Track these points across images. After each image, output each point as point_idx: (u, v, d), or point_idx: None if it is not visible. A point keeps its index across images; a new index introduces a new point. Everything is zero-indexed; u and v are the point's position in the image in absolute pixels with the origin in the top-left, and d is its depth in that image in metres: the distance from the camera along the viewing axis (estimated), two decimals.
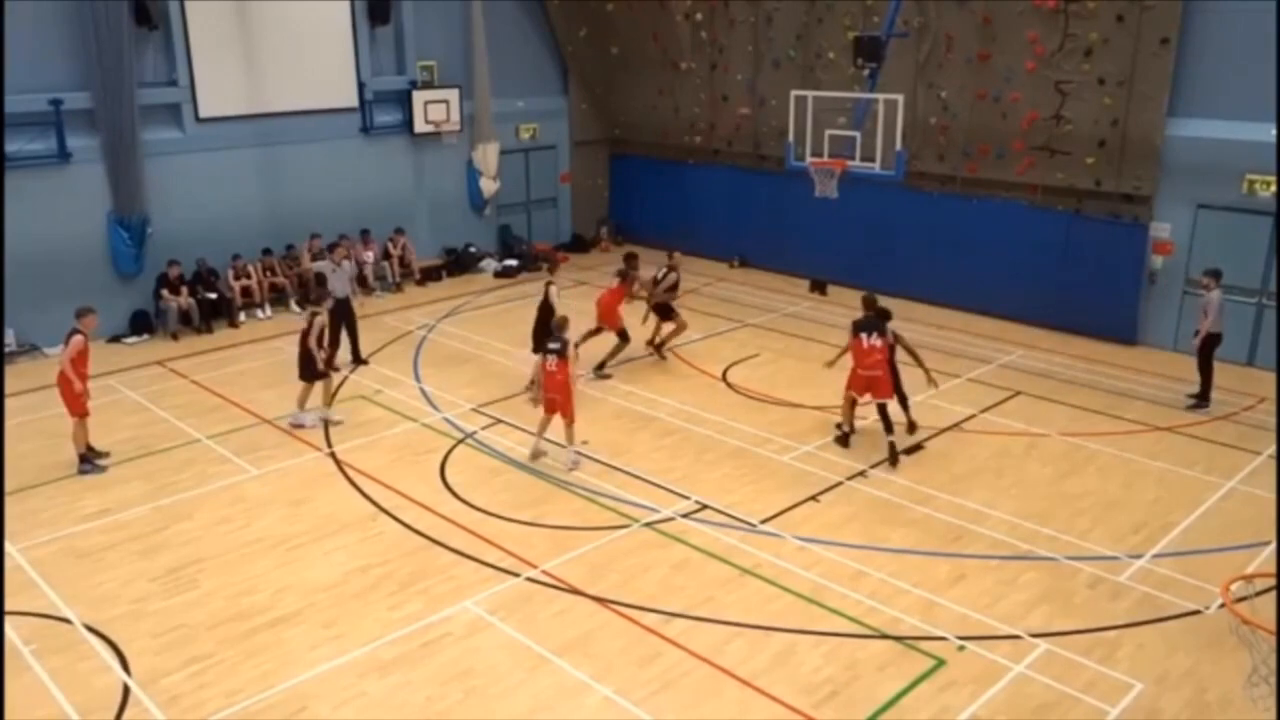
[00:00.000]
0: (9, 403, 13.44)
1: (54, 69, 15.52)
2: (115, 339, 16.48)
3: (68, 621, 8.75)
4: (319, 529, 10.34)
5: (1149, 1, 14.77)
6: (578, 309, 15.07)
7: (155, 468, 11.79)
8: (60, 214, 15.77)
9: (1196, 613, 8.77)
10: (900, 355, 12.56)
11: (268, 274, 18.15)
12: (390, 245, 19.80)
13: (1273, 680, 7.15)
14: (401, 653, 8.30)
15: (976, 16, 16.64)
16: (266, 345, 16.18)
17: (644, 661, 8.17)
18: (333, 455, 12.11)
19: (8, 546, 9.93)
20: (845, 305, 18.27)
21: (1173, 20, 14.68)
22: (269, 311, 17.97)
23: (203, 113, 17.28)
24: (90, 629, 8.63)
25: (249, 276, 17.85)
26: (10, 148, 15.15)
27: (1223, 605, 8.50)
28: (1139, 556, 9.75)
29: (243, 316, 17.50)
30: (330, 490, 11.24)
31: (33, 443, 12.38)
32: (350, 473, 11.62)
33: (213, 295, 17.14)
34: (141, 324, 16.75)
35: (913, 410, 12.65)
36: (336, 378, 13.96)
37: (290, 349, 14.96)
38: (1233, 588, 7.92)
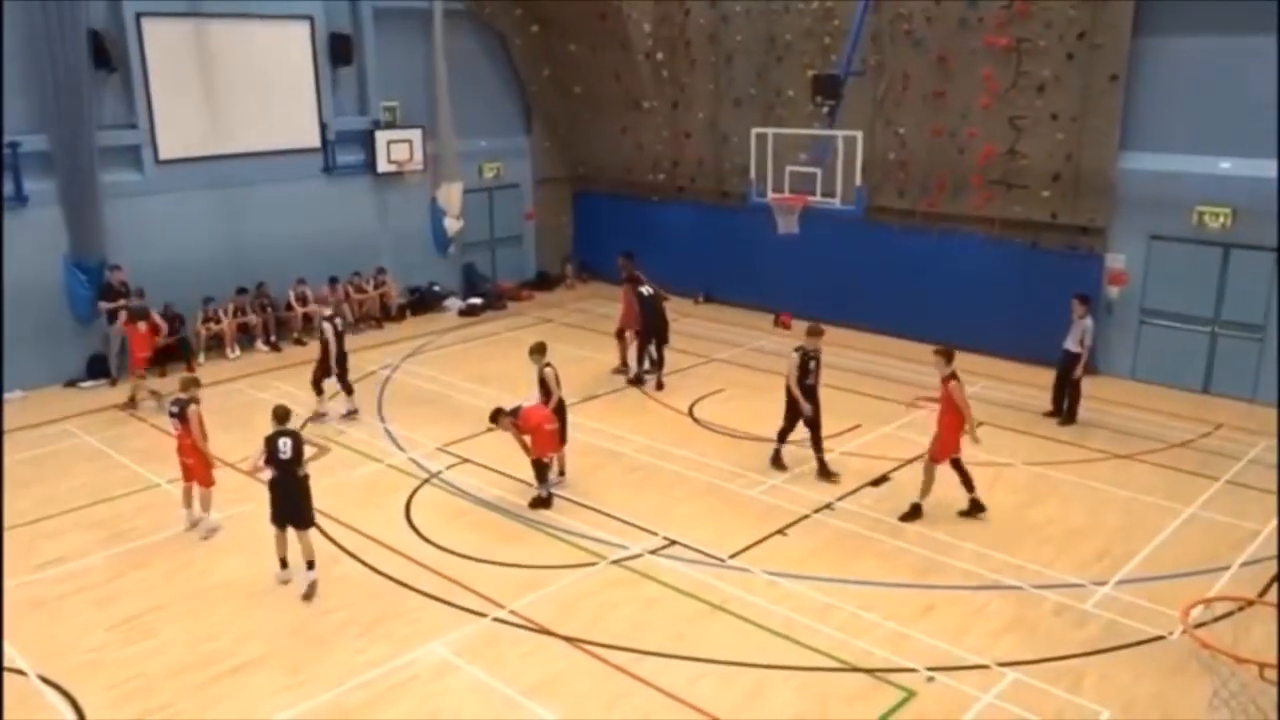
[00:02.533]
0: None
1: (11, 111, 15.33)
2: (72, 383, 16.23)
3: (22, 673, 8.51)
4: (281, 573, 10.16)
5: (1098, 40, 15.17)
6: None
7: (112, 514, 11.57)
8: (17, 257, 15.53)
9: (1160, 638, 8.84)
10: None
11: (238, 314, 18.02)
12: (350, 287, 19.68)
13: (1233, 704, 7.20)
14: (367, 697, 8.16)
15: (932, 55, 16.99)
16: (227, 387, 15.97)
17: (614, 701, 8.09)
18: None
19: None
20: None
21: (1121, 57, 15.07)
22: (237, 352, 17.79)
23: (163, 154, 17.17)
24: (45, 680, 8.41)
25: (218, 322, 17.71)
26: None
27: (1184, 631, 8.59)
28: (1103, 584, 9.83)
29: (202, 359, 17.28)
30: (292, 533, 11.04)
31: None
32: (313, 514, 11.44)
33: (171, 338, 16.92)
34: (99, 368, 16.50)
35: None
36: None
37: (250, 391, 14.86)
38: (1193, 613, 8.00)
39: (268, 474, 9.90)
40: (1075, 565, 10.20)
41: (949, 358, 11.27)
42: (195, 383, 11.28)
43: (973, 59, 16.51)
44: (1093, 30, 15.19)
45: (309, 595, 9.69)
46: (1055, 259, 16.19)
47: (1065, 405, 14.36)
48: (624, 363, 16.62)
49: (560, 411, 12.10)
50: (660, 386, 15.98)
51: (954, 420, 11.09)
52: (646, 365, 16.29)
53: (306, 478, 9.89)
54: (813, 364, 12.30)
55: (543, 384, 12.08)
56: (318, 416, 14.43)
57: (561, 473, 12.33)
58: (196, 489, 11.15)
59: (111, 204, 16.47)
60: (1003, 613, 9.33)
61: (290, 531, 9.86)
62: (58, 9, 15.27)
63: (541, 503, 11.61)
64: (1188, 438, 13.69)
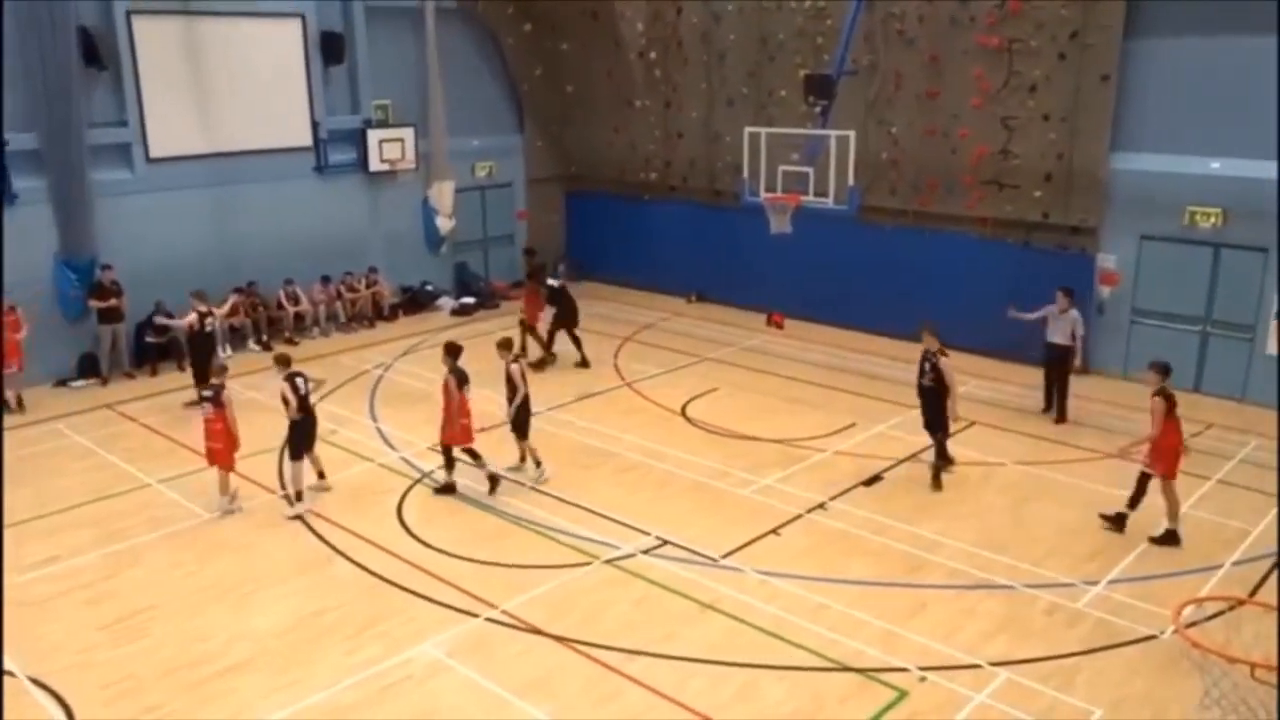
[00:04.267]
0: None
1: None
2: (62, 382, 16.16)
3: (11, 674, 8.47)
4: (273, 573, 10.15)
5: (1089, 40, 15.20)
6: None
7: (104, 514, 11.52)
8: (6, 255, 15.43)
9: (1151, 638, 8.86)
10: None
11: (231, 315, 17.95)
12: (342, 286, 19.68)
13: (1224, 703, 7.24)
14: (359, 698, 8.15)
15: (924, 55, 17.01)
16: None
17: (605, 700, 8.09)
18: (286, 498, 11.91)
19: None
20: (804, 339, 18.49)
21: (1112, 58, 15.11)
22: (229, 351, 17.72)
23: (153, 153, 17.11)
24: (35, 681, 8.37)
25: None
26: None
27: (1175, 631, 8.62)
28: (1094, 583, 9.86)
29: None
30: (284, 533, 11.05)
31: None
32: (304, 515, 11.42)
33: (161, 338, 16.86)
34: (89, 367, 16.43)
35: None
36: None
37: (243, 390, 14.81)
38: (1184, 613, 8.02)
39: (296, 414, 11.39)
40: (1067, 564, 10.23)
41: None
42: (224, 370, 12.00)
43: (964, 59, 16.54)
44: (1084, 30, 15.23)
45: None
46: (1047, 259, 16.21)
47: (1057, 403, 14.45)
48: (548, 350, 17.25)
49: (525, 406, 12.25)
50: (585, 364, 16.86)
51: (1174, 433, 10.64)
52: (554, 350, 17.11)
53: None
54: (927, 365, 12.24)
55: (509, 379, 12.15)
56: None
57: (532, 462, 12.50)
58: (217, 472, 11.57)
59: (102, 202, 16.41)
60: (994, 612, 9.35)
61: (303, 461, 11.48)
62: (48, 7, 15.20)
63: (446, 489, 11.97)
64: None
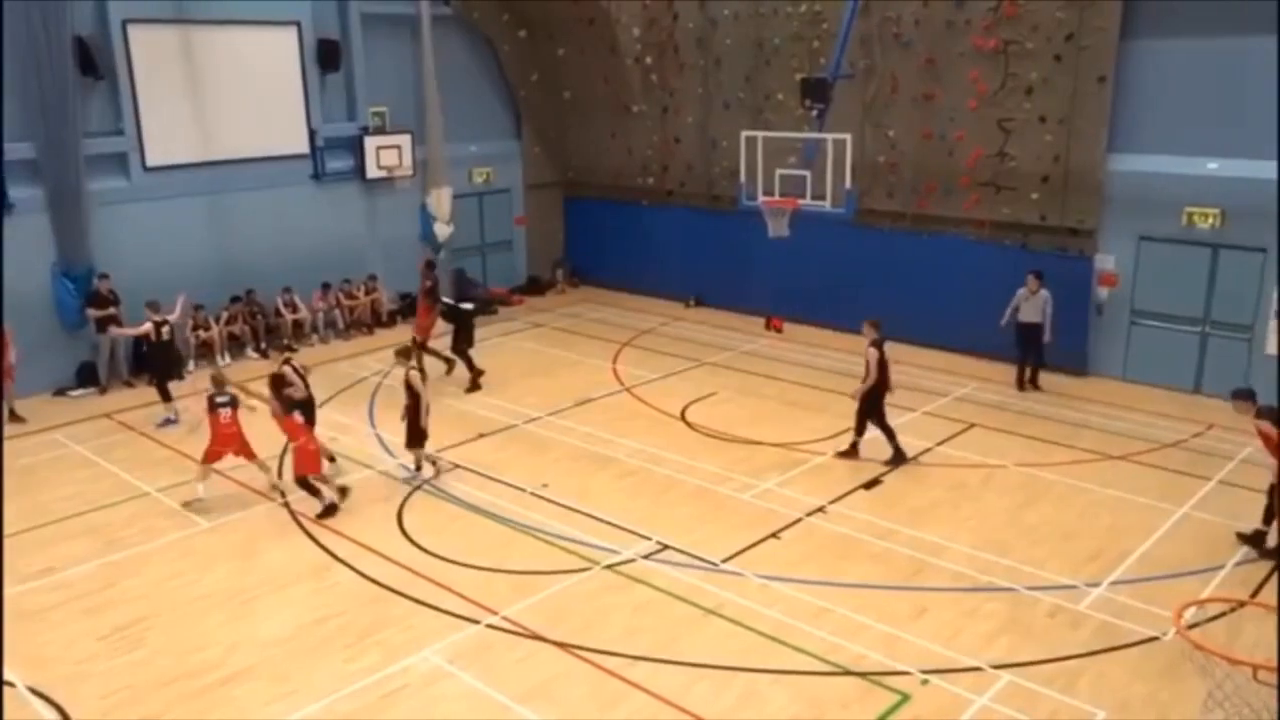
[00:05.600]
0: None
1: None
2: (61, 392, 16.12)
3: (10, 685, 8.43)
4: (272, 581, 10.11)
5: (1085, 41, 15.22)
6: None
7: (102, 523, 11.48)
8: (3, 265, 15.42)
9: (1154, 639, 8.84)
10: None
11: (229, 323, 17.98)
12: (341, 294, 19.67)
13: (1228, 705, 7.21)
14: (359, 706, 8.11)
15: (920, 58, 17.02)
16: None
17: (608, 706, 8.06)
18: (286, 505, 11.88)
19: None
20: (803, 342, 18.47)
21: (1108, 59, 15.12)
22: (227, 359, 17.71)
23: (150, 161, 17.09)
24: (34, 691, 8.34)
25: (208, 329, 17.64)
26: None
27: (1177, 632, 8.59)
28: (1096, 585, 9.83)
29: (191, 366, 17.19)
30: (283, 541, 11.02)
31: None
32: (304, 522, 11.40)
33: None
34: (88, 376, 16.39)
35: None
36: None
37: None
38: (1185, 614, 8.00)
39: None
40: (1068, 566, 10.20)
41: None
42: (224, 380, 12.20)
43: (961, 61, 16.55)
44: (1080, 32, 15.24)
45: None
46: (1045, 260, 16.19)
47: (1030, 375, 15.77)
48: (449, 362, 16.73)
49: (423, 410, 12.29)
50: (477, 386, 16.16)
51: None
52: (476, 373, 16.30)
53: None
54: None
55: (410, 387, 12.24)
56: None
57: (428, 464, 12.65)
58: (201, 467, 11.88)
59: (98, 211, 16.39)
60: (996, 615, 9.32)
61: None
62: (43, 16, 15.19)
63: (327, 511, 11.49)
64: (1179, 438, 13.72)
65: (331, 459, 12.52)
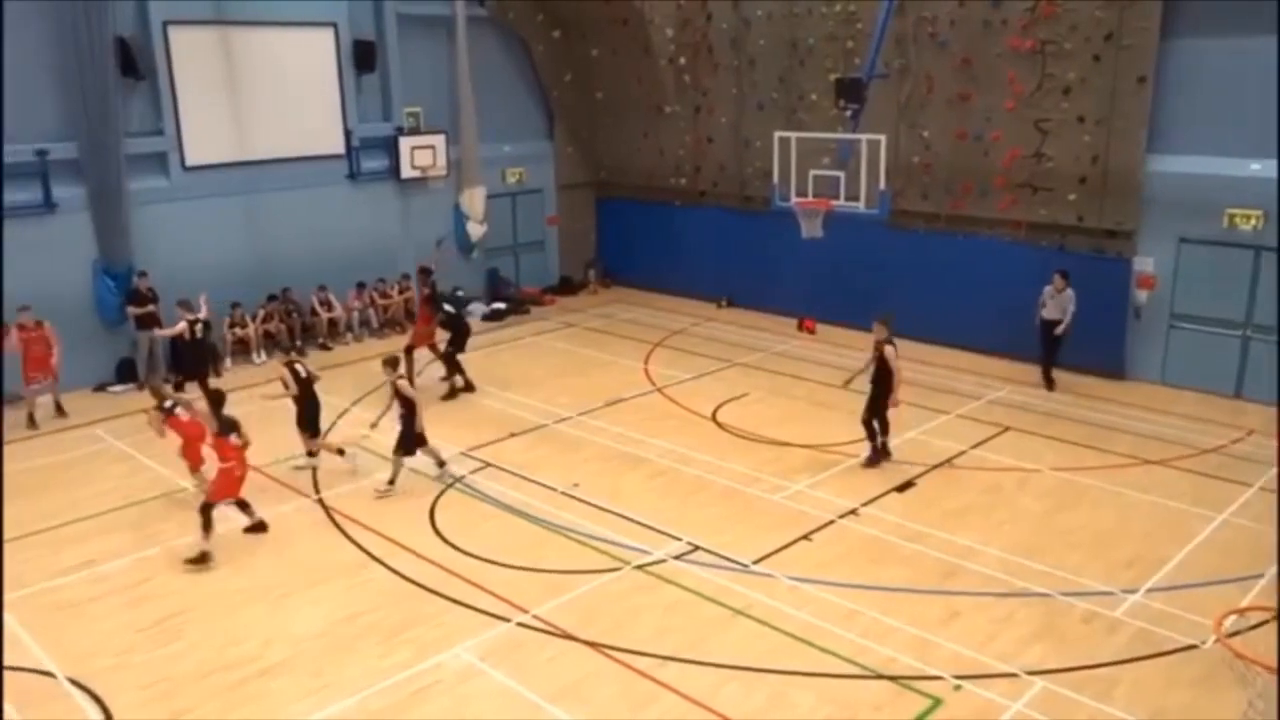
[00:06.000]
0: None
1: (41, 119, 15.56)
2: (101, 387, 16.38)
3: (51, 675, 8.59)
4: (307, 577, 10.22)
5: (1125, 41, 15.02)
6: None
7: (140, 517, 11.65)
8: (46, 263, 15.70)
9: (1192, 647, 8.71)
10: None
11: (265, 321, 18.20)
12: (375, 293, 19.83)
13: (1269, 715, 7.09)
14: (391, 702, 8.17)
15: (956, 58, 16.89)
16: (254, 391, 16.04)
17: (638, 707, 8.06)
18: (320, 502, 12.00)
19: None
20: (833, 343, 18.39)
21: (1149, 59, 14.92)
22: (263, 357, 17.92)
23: (189, 161, 17.33)
24: (74, 682, 8.48)
25: (244, 327, 17.86)
26: None
27: (1217, 640, 8.46)
28: (1133, 591, 9.71)
29: (228, 363, 17.41)
30: (318, 537, 11.13)
31: (9, 496, 12.20)
32: (338, 519, 11.51)
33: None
34: (128, 373, 16.65)
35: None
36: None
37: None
38: (1226, 622, 7.87)
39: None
40: (1104, 572, 10.08)
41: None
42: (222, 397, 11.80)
43: (997, 62, 16.40)
44: (1120, 31, 15.05)
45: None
46: (1082, 262, 16.02)
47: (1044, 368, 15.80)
48: (453, 376, 16.08)
49: (419, 417, 12.16)
50: (469, 388, 15.95)
51: None
52: (460, 380, 16.00)
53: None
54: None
55: (403, 397, 12.08)
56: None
57: (441, 464, 12.63)
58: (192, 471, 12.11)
59: (138, 210, 16.64)
60: (1030, 620, 9.23)
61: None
62: (86, 18, 15.44)
63: (201, 559, 10.40)
64: (1219, 443, 13.51)
65: (340, 452, 12.73)
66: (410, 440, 12.21)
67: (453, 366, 15.93)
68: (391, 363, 12.41)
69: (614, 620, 9.29)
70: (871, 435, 12.73)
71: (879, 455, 12.77)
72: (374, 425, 12.52)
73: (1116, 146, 15.50)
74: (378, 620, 9.37)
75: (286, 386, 12.52)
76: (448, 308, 16.18)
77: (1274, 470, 12.49)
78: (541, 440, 14.01)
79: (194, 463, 11.94)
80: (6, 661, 8.71)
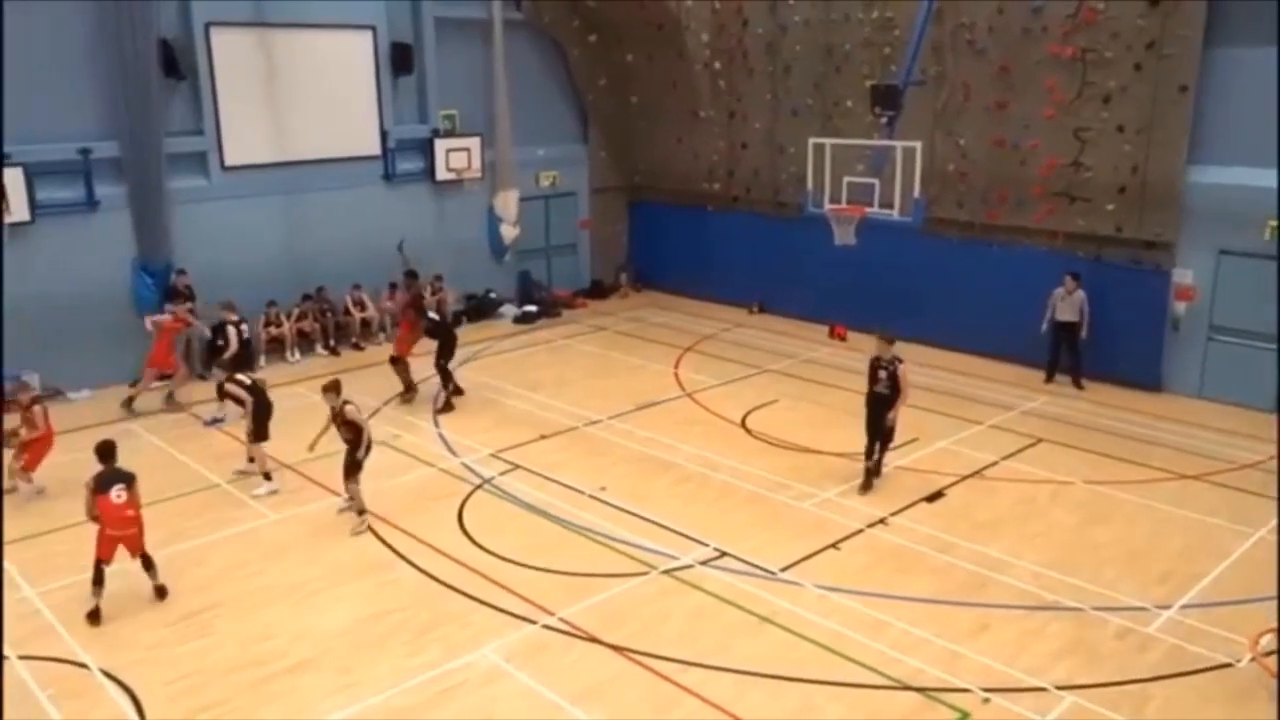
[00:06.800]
0: None
1: (84, 119, 15.83)
2: (137, 383, 16.56)
3: (84, 667, 8.71)
4: (335, 574, 10.30)
5: (1167, 50, 14.83)
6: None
7: (172, 513, 11.77)
8: (87, 260, 15.97)
9: (1227, 666, 8.56)
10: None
11: (300, 319, 18.40)
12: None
13: None
14: (417, 700, 8.21)
15: (994, 65, 16.75)
16: (288, 390, 16.17)
17: (661, 711, 8.05)
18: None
19: (27, 591, 9.97)
20: (865, 351, 18.22)
21: (1191, 68, 14.71)
22: (297, 356, 18.10)
23: (228, 161, 17.56)
24: (107, 674, 8.59)
25: (279, 325, 18.07)
26: (40, 195, 15.42)
27: (1253, 659, 8.31)
28: (1167, 607, 9.56)
29: (262, 361, 17.59)
30: (347, 536, 11.20)
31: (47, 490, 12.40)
32: (367, 518, 11.58)
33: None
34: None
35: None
36: None
37: (313, 396, 15.03)
38: (1261, 641, 7.74)
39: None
40: (1138, 587, 9.93)
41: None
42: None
43: (1036, 69, 16.24)
44: (1162, 40, 14.86)
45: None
46: (1120, 273, 15.82)
47: (1060, 366, 16.20)
48: (450, 388, 15.64)
49: (368, 446, 11.38)
50: (450, 407, 15.38)
51: None
52: (452, 387, 15.62)
53: None
54: (882, 373, 12.14)
55: (350, 422, 11.18)
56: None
57: (355, 507, 11.48)
58: None
59: (178, 209, 16.87)
60: (1061, 634, 9.12)
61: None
62: (131, 19, 15.70)
63: (92, 616, 9.43)
64: (1257, 458, 13.28)
65: (268, 476, 12.50)
66: (355, 465, 11.30)
67: (444, 377, 15.62)
68: (332, 388, 11.30)
69: (639, 624, 9.28)
70: (869, 455, 12.37)
71: (872, 477, 12.34)
72: (311, 448, 11.56)
73: (1157, 156, 15.30)
74: (406, 619, 9.42)
75: (243, 403, 12.70)
76: (433, 315, 15.93)
77: None
78: (571, 443, 14.03)
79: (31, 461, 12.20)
80: (43, 652, 8.87)
